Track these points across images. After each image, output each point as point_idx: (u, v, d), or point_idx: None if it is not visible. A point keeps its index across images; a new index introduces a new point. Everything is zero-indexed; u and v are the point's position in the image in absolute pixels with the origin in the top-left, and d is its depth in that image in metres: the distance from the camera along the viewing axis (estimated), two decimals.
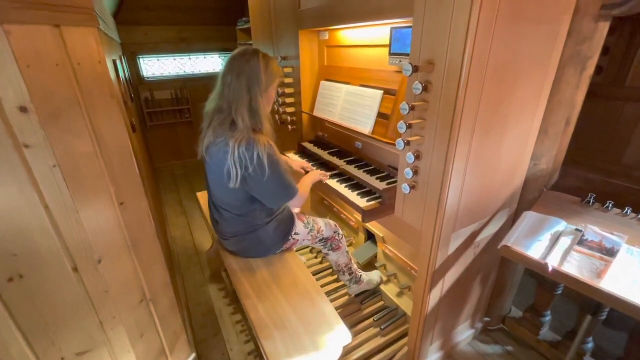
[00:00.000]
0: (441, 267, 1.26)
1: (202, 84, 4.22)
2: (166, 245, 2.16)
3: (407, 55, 1.25)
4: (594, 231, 1.06)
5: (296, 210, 1.68)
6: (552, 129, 1.28)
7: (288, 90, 1.99)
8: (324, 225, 1.61)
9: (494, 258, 1.53)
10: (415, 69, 0.98)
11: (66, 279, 1.00)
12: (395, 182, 1.39)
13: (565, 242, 1.08)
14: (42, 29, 0.82)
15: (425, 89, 1.01)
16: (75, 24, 0.88)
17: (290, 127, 2.08)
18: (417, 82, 1.01)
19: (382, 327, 1.62)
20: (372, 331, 1.64)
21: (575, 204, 1.24)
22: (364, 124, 1.48)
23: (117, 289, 1.13)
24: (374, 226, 1.80)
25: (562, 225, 1.14)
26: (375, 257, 1.94)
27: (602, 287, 0.92)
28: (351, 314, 1.74)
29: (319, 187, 2.13)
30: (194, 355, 1.57)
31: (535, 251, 1.09)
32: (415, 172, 1.14)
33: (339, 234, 1.66)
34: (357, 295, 1.84)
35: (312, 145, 1.95)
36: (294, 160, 1.74)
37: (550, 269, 1.01)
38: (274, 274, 1.36)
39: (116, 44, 2.73)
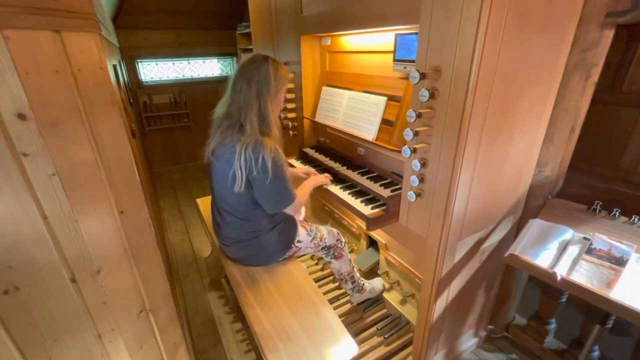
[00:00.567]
0: (447, 276, 1.24)
1: (200, 88, 4.21)
2: (164, 252, 2.13)
3: (412, 61, 1.24)
4: (602, 240, 1.05)
5: (301, 217, 1.66)
6: (557, 136, 1.27)
7: (289, 96, 1.98)
8: (326, 232, 1.59)
9: (498, 265, 1.51)
10: (422, 76, 0.97)
11: (64, 290, 0.97)
12: (399, 189, 1.38)
13: (573, 250, 1.07)
14: (42, 34, 0.80)
15: (432, 96, 1.00)
16: (76, 29, 0.86)
17: (291, 132, 2.06)
18: (423, 89, 1.00)
19: (386, 336, 1.59)
20: (376, 340, 1.61)
21: (581, 212, 1.23)
22: (367, 130, 1.47)
23: (116, 300, 1.10)
24: (376, 233, 1.79)
25: (569, 234, 1.13)
26: (377, 264, 1.92)
27: (613, 297, 0.90)
28: (353, 322, 1.72)
29: (321, 194, 2.10)
30: None
31: (543, 260, 1.08)
32: (421, 180, 1.13)
33: (341, 242, 1.64)
34: (359, 303, 1.82)
35: (313, 150, 1.93)
36: (298, 168, 1.72)
37: (559, 278, 0.99)
38: (276, 283, 1.34)
39: (115, 48, 2.71)
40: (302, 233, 1.50)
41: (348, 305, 1.83)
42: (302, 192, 1.43)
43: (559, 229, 1.14)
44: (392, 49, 1.35)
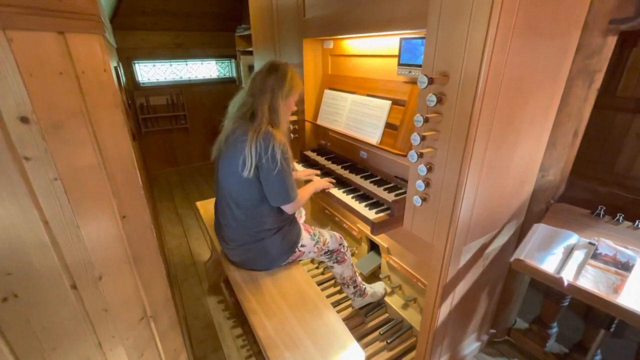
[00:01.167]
0: (451, 281, 1.24)
1: (198, 90, 4.18)
2: (163, 256, 2.09)
3: (417, 66, 1.24)
4: (607, 245, 1.06)
5: (302, 220, 1.65)
6: (560, 141, 1.28)
7: None
8: (329, 237, 1.58)
9: (501, 270, 1.51)
10: (431, 81, 0.96)
11: (64, 297, 0.95)
12: (404, 193, 1.37)
13: (578, 255, 1.07)
14: (45, 35, 0.78)
15: (439, 100, 1.00)
16: (80, 30, 0.84)
17: (292, 135, 2.05)
18: (431, 94, 0.99)
19: (389, 341, 1.58)
20: (378, 345, 1.60)
21: (585, 217, 1.24)
22: (371, 134, 1.46)
23: (117, 307, 1.07)
24: (378, 236, 1.78)
25: (574, 238, 1.13)
26: (379, 267, 1.91)
27: (620, 303, 0.90)
28: (356, 327, 1.70)
29: (322, 197, 2.09)
30: None
31: (548, 265, 1.08)
32: (427, 184, 1.12)
33: (344, 246, 1.63)
34: (360, 308, 1.80)
35: (315, 154, 1.92)
36: (300, 171, 1.71)
37: (566, 283, 0.99)
38: (280, 288, 1.32)
39: (114, 50, 2.68)
40: (305, 237, 1.49)
41: (350, 310, 1.82)
42: (303, 194, 1.44)
43: (564, 234, 1.15)
44: (396, 52, 1.35)
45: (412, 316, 1.67)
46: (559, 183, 1.39)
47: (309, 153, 1.94)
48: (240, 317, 1.90)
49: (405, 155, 1.32)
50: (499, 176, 1.15)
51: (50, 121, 0.80)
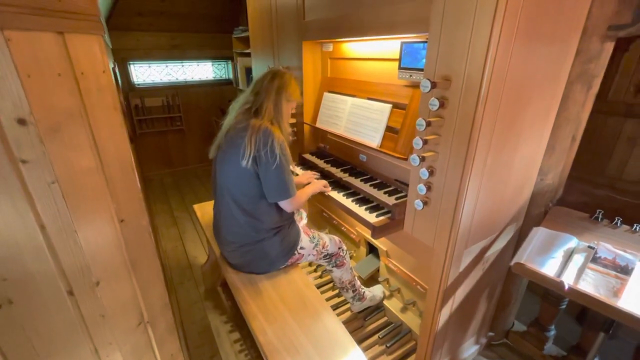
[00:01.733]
0: (452, 285, 1.24)
1: (194, 91, 4.15)
2: (160, 260, 2.06)
3: (418, 69, 1.24)
4: (606, 248, 1.07)
5: (303, 223, 1.64)
6: (559, 145, 1.29)
7: None
8: (328, 240, 1.57)
9: (500, 273, 1.52)
10: (433, 85, 0.96)
11: (60, 303, 0.92)
12: (404, 196, 1.37)
13: (578, 259, 1.08)
14: (44, 35, 0.76)
15: (441, 104, 1.00)
16: (79, 31, 0.83)
17: (291, 137, 2.04)
18: (433, 98, 0.99)
19: (388, 345, 1.57)
20: (378, 349, 1.59)
21: (583, 220, 1.25)
22: (372, 137, 1.46)
23: (114, 313, 1.05)
24: (377, 239, 1.77)
25: (573, 242, 1.14)
26: (378, 271, 1.90)
27: (621, 306, 0.91)
28: (355, 331, 1.69)
29: (321, 200, 2.08)
30: None
31: (549, 268, 1.08)
32: (429, 188, 1.12)
33: (343, 250, 1.62)
34: (359, 312, 1.80)
35: (313, 156, 1.92)
36: (299, 175, 1.70)
37: (567, 287, 1.00)
38: (280, 292, 1.31)
39: (109, 50, 2.64)
40: (304, 239, 1.48)
41: (348, 314, 1.81)
42: (301, 194, 1.44)
43: (564, 238, 1.15)
44: (396, 56, 1.35)
45: (411, 320, 1.67)
46: (557, 187, 1.40)
47: (308, 156, 1.93)
48: (237, 321, 1.88)
49: (406, 159, 1.32)
50: (500, 180, 1.15)
51: (48, 123, 0.79)
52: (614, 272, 1.00)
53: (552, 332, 1.64)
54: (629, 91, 2.49)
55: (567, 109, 1.24)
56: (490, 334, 1.74)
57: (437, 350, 1.38)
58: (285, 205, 1.35)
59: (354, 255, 2.12)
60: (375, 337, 1.66)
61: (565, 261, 1.09)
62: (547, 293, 1.57)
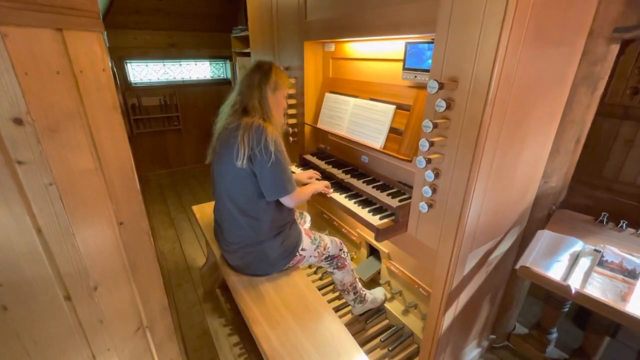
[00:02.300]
0: (456, 288, 1.22)
1: (191, 91, 4.11)
2: (159, 263, 2.03)
3: (423, 70, 1.23)
4: (612, 252, 1.06)
5: (306, 225, 1.61)
6: (564, 148, 1.29)
7: (290, 101, 1.94)
8: (329, 242, 1.55)
9: (503, 275, 1.51)
10: (441, 86, 0.95)
11: (57, 309, 0.89)
12: (407, 198, 1.35)
13: (584, 263, 1.07)
14: (42, 32, 0.74)
15: (447, 106, 0.99)
16: (79, 27, 0.80)
17: (291, 138, 2.02)
18: (440, 100, 0.98)
19: (390, 348, 1.56)
20: (380, 352, 1.57)
21: (588, 223, 1.24)
22: (375, 139, 1.45)
23: (112, 318, 1.02)
24: (380, 242, 1.76)
25: (579, 245, 1.13)
26: (379, 273, 1.89)
27: (629, 311, 0.90)
28: (356, 334, 1.67)
29: (322, 202, 2.06)
30: None
31: (555, 272, 1.07)
32: (434, 191, 1.11)
33: (344, 252, 1.60)
34: (360, 314, 1.78)
35: (315, 157, 1.89)
36: (300, 173, 1.68)
37: (574, 291, 0.99)
38: (282, 296, 1.28)
39: (106, 48, 2.60)
40: (306, 241, 1.46)
41: (349, 316, 1.79)
42: (303, 191, 1.42)
43: (569, 241, 1.15)
44: (400, 57, 1.33)
45: (413, 322, 1.66)
46: (561, 189, 1.39)
47: (309, 157, 1.91)
48: (236, 324, 1.85)
49: (410, 161, 1.30)
50: (506, 182, 1.14)
51: (46, 123, 0.76)
52: (621, 276, 0.99)
53: (554, 335, 1.64)
54: (625, 94, 2.50)
55: (571, 112, 1.23)
56: (492, 336, 1.73)
57: (440, 354, 1.37)
58: (286, 201, 1.33)
59: (355, 257, 2.10)
60: (377, 340, 1.64)
61: (571, 265, 1.08)
62: (549, 296, 1.56)
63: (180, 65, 4.03)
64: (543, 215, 1.41)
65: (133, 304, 1.09)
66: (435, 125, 1.00)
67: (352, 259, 2.10)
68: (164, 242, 2.75)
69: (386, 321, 1.77)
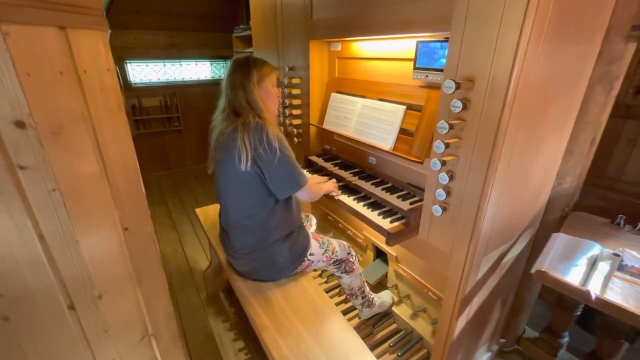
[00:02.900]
0: (470, 292, 1.19)
1: (192, 91, 4.07)
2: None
3: (435, 70, 1.20)
4: (632, 256, 1.03)
5: (313, 228, 1.58)
6: (578, 149, 1.26)
7: (295, 102, 1.91)
8: (337, 245, 1.52)
9: (515, 279, 1.48)
10: (457, 86, 0.92)
11: (60, 319, 0.86)
12: (418, 201, 1.32)
13: (603, 267, 1.04)
14: (45, 30, 0.70)
15: (463, 106, 0.95)
16: (83, 26, 0.77)
17: (296, 139, 1.99)
18: (456, 100, 0.95)
19: (400, 354, 1.53)
20: (389, 357, 1.54)
21: (605, 226, 1.21)
22: (384, 140, 1.41)
23: (117, 327, 0.99)
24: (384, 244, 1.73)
25: (597, 249, 1.10)
26: (386, 276, 1.86)
27: None
28: (365, 339, 1.63)
29: (328, 204, 2.03)
30: None
31: (572, 277, 1.04)
32: (448, 193, 1.08)
33: (352, 256, 1.57)
34: (368, 318, 1.75)
35: (320, 159, 1.86)
36: (311, 177, 1.64)
37: (594, 297, 0.96)
38: (290, 301, 1.25)
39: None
40: (314, 245, 1.43)
41: (357, 320, 1.76)
42: (317, 187, 1.39)
43: (586, 244, 1.12)
44: (410, 56, 1.30)
45: (422, 327, 1.63)
46: (574, 191, 1.36)
47: (315, 158, 1.88)
48: (241, 329, 1.82)
49: (422, 162, 1.27)
50: (521, 184, 1.11)
51: (49, 126, 0.72)
52: None
53: (566, 339, 1.61)
54: (628, 93, 2.47)
55: (587, 112, 1.20)
56: (502, 340, 1.70)
57: (451, 359, 1.34)
58: (301, 195, 1.30)
59: (361, 259, 2.07)
60: (386, 345, 1.61)
61: (590, 269, 1.05)
62: (560, 299, 1.54)
63: (181, 65, 3.99)
64: (556, 217, 1.38)
65: (138, 312, 1.06)
66: (451, 127, 0.97)
67: (358, 261, 2.07)
68: (165, 244, 2.71)
69: (394, 325, 1.74)
